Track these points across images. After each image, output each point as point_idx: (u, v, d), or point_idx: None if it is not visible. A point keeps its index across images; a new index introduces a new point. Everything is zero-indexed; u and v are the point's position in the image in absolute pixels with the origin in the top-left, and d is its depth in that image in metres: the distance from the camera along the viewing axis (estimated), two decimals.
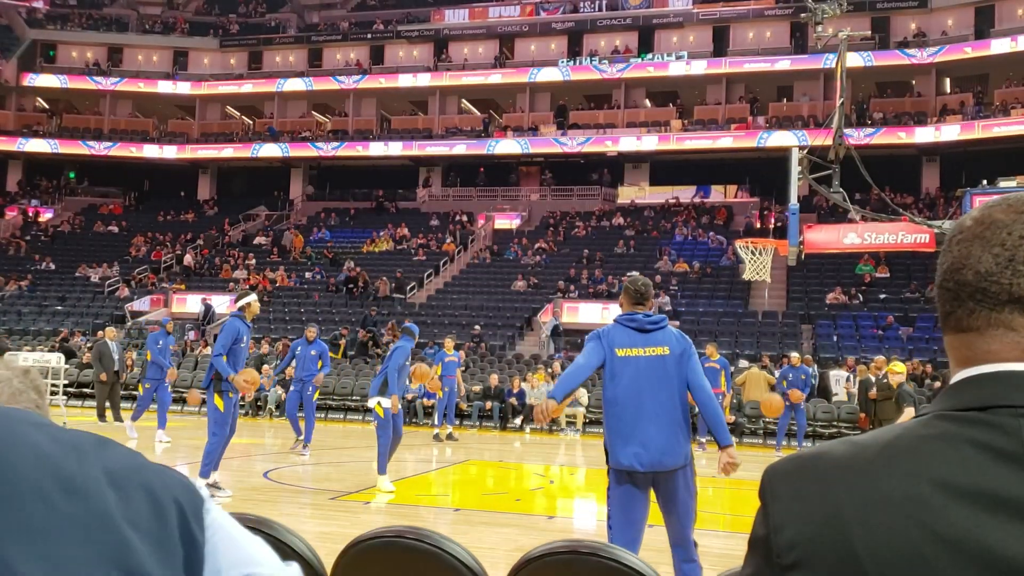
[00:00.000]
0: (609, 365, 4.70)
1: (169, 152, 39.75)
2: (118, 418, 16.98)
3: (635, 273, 5.11)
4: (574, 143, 35.56)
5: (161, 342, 15.45)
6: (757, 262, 18.41)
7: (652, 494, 4.77)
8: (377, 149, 37.77)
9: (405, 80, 38.38)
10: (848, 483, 0.90)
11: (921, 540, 0.84)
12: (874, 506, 0.87)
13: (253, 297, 9.53)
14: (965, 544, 0.82)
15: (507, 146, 36.43)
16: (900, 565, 0.84)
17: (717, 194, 35.35)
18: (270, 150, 38.84)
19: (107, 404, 17.30)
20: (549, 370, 20.69)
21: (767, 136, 33.21)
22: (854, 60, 27.74)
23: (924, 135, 31.75)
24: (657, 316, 4.82)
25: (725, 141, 34.02)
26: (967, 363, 0.95)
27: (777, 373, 17.28)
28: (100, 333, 25.10)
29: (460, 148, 37.05)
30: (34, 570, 0.84)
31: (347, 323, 26.05)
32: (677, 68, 35.42)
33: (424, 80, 38.13)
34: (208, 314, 27.27)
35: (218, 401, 8.99)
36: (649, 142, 34.87)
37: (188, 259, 32.64)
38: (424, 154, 37.66)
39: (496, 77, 37.39)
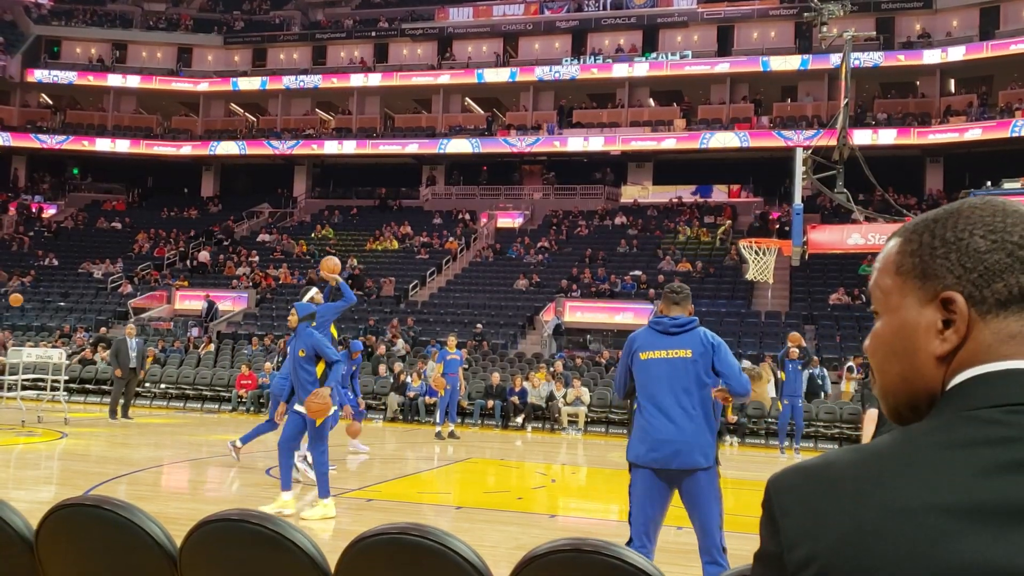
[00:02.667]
0: (635, 369, 4.82)
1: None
2: (126, 415, 17.02)
3: (674, 283, 5.24)
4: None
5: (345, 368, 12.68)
6: (761, 263, 18.43)
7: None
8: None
9: (409, 78, 38.38)
10: (863, 495, 0.87)
11: (948, 555, 0.82)
12: (892, 518, 0.85)
13: (315, 290, 9.69)
14: (996, 559, 0.81)
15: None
16: None
17: (720, 194, 35.35)
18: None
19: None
20: (551, 368, 20.70)
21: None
22: (858, 60, 27.78)
23: (928, 136, 31.74)
24: (685, 319, 4.86)
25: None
26: (973, 362, 0.94)
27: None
28: (103, 329, 25.19)
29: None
30: None
31: (350, 321, 26.06)
32: (681, 67, 35.43)
33: (428, 78, 38.14)
34: (211, 311, 27.29)
35: None
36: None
37: (205, 256, 32.66)
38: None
39: (500, 75, 37.38)
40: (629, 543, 4.65)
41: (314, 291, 9.87)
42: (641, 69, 35.90)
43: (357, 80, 38.77)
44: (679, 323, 4.84)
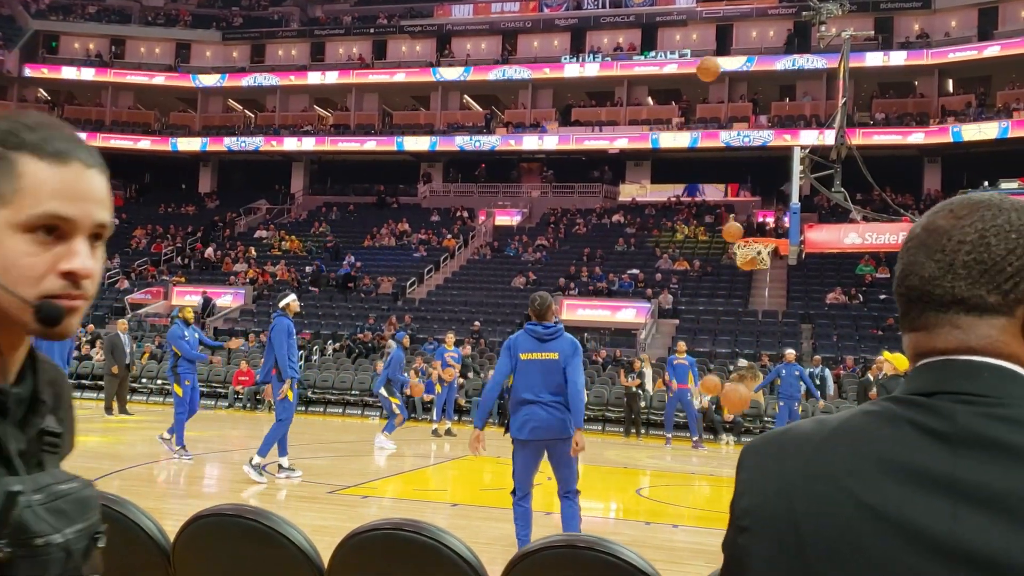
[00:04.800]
0: (517, 365, 6.19)
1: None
2: (124, 411, 16.99)
3: (539, 293, 6.50)
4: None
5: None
6: (749, 252, 18.22)
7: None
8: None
9: (407, 75, 38.33)
10: (802, 458, 0.99)
11: (854, 511, 0.92)
12: (817, 479, 0.96)
13: (292, 297, 10.36)
14: (893, 515, 0.90)
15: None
16: (833, 534, 0.93)
17: (718, 192, 35.39)
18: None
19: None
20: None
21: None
22: (857, 60, 27.83)
23: (926, 136, 31.78)
24: (554, 327, 6.22)
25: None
26: (921, 359, 1.02)
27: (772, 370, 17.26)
28: (90, 327, 25.14)
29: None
30: None
31: (347, 318, 26.06)
32: (680, 66, 35.41)
33: (426, 75, 38.08)
34: (208, 307, 27.24)
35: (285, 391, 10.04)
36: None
37: (209, 252, 32.55)
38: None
39: (499, 73, 37.34)
40: (513, 492, 6.48)
41: (292, 297, 10.29)
42: (640, 68, 35.88)
43: (355, 76, 38.71)
44: (551, 332, 6.19)
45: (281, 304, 10.15)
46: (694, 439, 16.49)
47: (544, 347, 6.14)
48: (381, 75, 38.59)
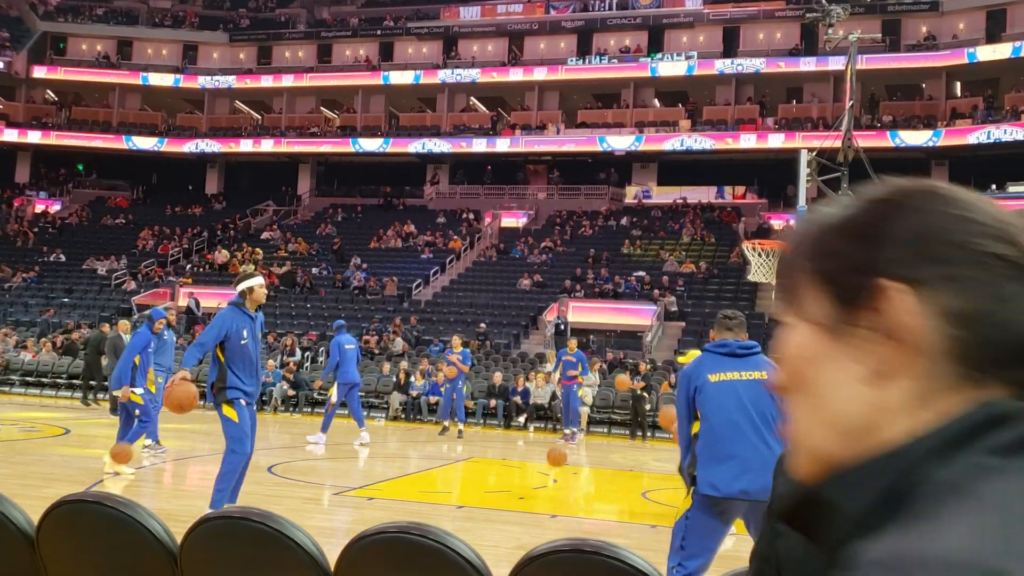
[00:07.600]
0: (702, 393, 4.36)
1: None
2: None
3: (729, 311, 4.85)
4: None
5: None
6: (764, 264, 18.39)
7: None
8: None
9: (414, 77, 38.35)
10: None
11: None
12: None
13: (257, 281, 7.27)
14: None
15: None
16: None
17: (726, 195, 35.39)
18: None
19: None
20: (547, 366, 20.69)
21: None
22: (864, 62, 27.79)
23: (933, 138, 31.68)
24: (750, 342, 4.51)
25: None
26: None
27: None
28: (106, 327, 25.16)
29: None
30: None
31: (352, 319, 26.07)
32: (686, 68, 35.40)
33: (433, 77, 38.10)
34: (198, 309, 27.19)
35: (227, 411, 6.95)
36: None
37: (223, 256, 32.46)
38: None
39: (505, 75, 37.36)
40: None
41: (255, 281, 7.25)
42: (646, 70, 35.88)
43: (362, 78, 38.75)
44: (746, 345, 4.46)
45: (239, 288, 7.19)
46: (566, 432, 16.71)
47: (744, 364, 4.42)
48: (387, 76, 38.63)
